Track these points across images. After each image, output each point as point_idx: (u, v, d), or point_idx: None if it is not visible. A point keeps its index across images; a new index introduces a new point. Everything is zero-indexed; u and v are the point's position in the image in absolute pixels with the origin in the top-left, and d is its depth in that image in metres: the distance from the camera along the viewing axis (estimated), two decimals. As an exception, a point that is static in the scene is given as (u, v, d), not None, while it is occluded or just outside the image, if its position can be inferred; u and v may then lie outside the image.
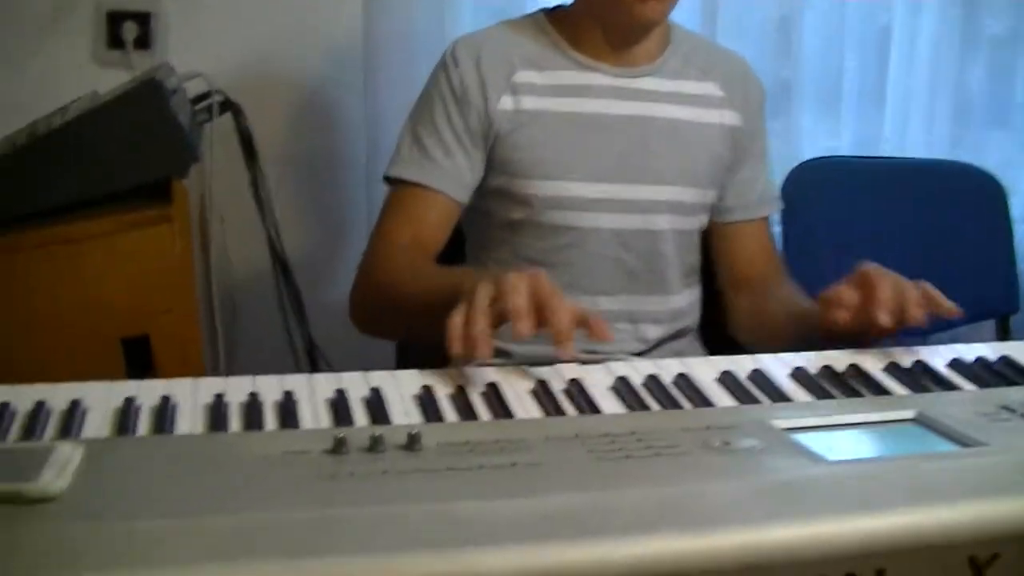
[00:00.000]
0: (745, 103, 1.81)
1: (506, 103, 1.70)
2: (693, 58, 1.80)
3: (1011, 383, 1.24)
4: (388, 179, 1.73)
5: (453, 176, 1.70)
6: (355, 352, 1.86)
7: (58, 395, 1.12)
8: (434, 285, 1.45)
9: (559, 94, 1.71)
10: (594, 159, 1.70)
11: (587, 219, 1.70)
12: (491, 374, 1.23)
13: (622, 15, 1.67)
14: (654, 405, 1.16)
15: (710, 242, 1.85)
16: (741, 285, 1.82)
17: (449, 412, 1.13)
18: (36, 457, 0.88)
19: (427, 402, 1.14)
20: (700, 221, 1.80)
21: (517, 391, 1.18)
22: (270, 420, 1.09)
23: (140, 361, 1.84)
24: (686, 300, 1.80)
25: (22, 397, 1.12)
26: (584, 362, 1.26)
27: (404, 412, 1.12)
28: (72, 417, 1.08)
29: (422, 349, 1.39)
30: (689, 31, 1.87)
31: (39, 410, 1.09)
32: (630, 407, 1.16)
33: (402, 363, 1.87)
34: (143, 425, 1.08)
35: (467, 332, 1.23)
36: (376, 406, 1.13)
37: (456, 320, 1.24)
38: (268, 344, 2.53)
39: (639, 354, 1.70)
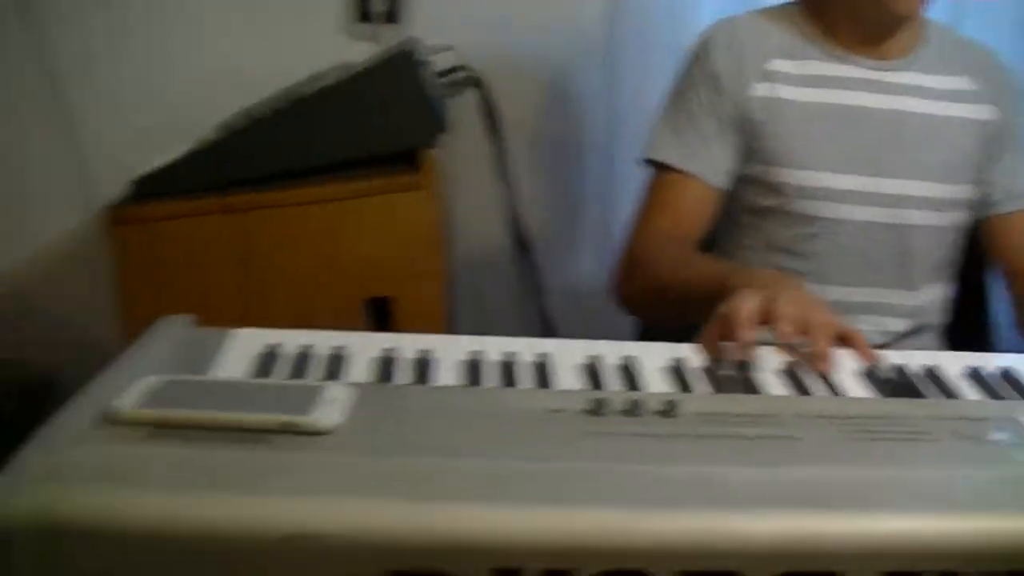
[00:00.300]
0: (1000, 95, 1.77)
1: (761, 90, 1.70)
2: (946, 52, 1.77)
3: None
4: (646, 161, 1.75)
5: (710, 162, 1.71)
6: (589, 330, 1.89)
7: (322, 341, 1.18)
8: (697, 277, 1.47)
9: (813, 84, 1.70)
10: (847, 151, 1.69)
11: (837, 210, 1.69)
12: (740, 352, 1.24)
13: (879, 9, 1.66)
14: (900, 393, 1.16)
15: (982, 238, 1.82)
16: (1017, 277, 1.78)
17: (700, 384, 1.15)
18: (308, 394, 0.94)
19: (679, 373, 1.17)
20: (955, 217, 1.76)
21: (766, 369, 1.20)
22: (525, 379, 1.13)
23: (381, 323, 1.90)
24: (931, 296, 1.78)
25: (289, 341, 1.18)
26: None
27: (655, 381, 1.15)
28: (336, 362, 1.14)
29: (666, 332, 1.42)
30: (942, 25, 1.84)
31: (305, 354, 1.15)
32: (877, 393, 1.16)
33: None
34: (403, 374, 1.13)
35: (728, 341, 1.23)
36: (629, 373, 1.16)
37: (713, 334, 1.25)
38: (504, 317, 2.59)
39: (879, 346, 1.68)
